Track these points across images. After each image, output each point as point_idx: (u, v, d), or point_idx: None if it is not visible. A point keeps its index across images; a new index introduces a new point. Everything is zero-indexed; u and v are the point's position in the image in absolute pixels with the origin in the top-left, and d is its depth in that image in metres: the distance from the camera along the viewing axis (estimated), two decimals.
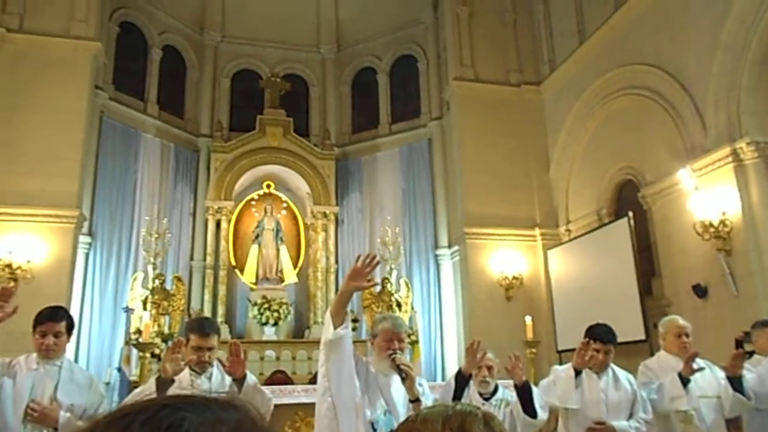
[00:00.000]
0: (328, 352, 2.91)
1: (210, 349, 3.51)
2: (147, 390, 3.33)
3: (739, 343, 5.77)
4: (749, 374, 4.04)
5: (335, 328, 2.87)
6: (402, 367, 3.15)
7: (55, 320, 3.35)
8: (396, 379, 3.22)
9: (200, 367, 3.52)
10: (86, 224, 9.82)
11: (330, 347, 2.90)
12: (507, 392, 4.05)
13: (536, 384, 6.25)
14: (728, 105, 7.44)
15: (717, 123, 7.51)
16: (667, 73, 8.32)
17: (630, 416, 3.86)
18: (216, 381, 3.55)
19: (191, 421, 0.56)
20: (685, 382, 3.88)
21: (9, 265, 8.41)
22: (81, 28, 9.81)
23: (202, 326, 3.58)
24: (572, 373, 3.79)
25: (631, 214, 8.42)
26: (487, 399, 3.98)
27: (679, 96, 8.10)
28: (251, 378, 3.59)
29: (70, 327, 3.43)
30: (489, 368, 3.98)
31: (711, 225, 7.27)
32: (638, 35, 8.98)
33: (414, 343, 10.44)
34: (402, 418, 3.23)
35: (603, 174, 9.79)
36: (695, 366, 3.87)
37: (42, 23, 9.62)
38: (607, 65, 9.58)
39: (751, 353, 4.51)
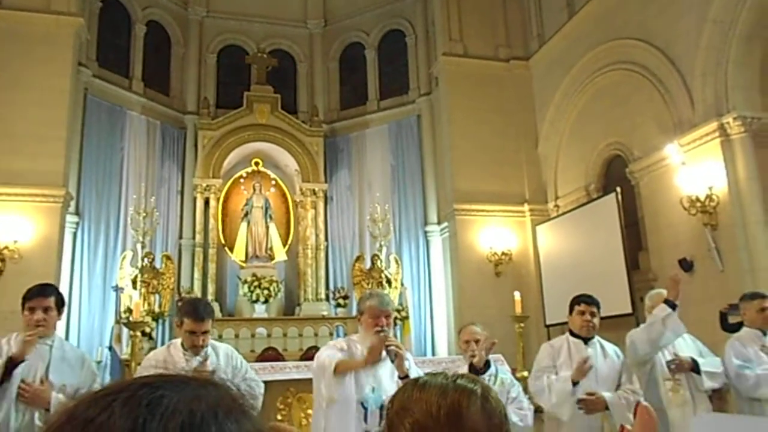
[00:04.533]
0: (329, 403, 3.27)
1: (204, 333, 3.45)
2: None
3: (723, 316, 5.87)
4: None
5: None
6: (390, 347, 3.20)
7: (43, 295, 3.30)
8: (382, 354, 3.27)
9: (194, 351, 3.48)
10: (73, 203, 9.73)
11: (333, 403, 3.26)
12: (501, 369, 4.03)
13: (524, 355, 6.32)
14: (716, 79, 7.45)
15: (704, 98, 7.53)
16: (656, 48, 8.31)
17: (617, 387, 3.93)
18: (211, 360, 3.52)
19: (170, 398, 0.57)
20: (672, 305, 4.00)
21: None
22: (62, 3, 9.60)
23: (197, 311, 3.45)
24: (569, 386, 3.78)
25: (618, 189, 8.47)
26: (477, 374, 3.99)
27: (667, 70, 8.11)
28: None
29: (59, 303, 3.37)
30: (477, 341, 3.97)
31: (698, 200, 7.34)
32: (627, 9, 8.94)
33: (404, 319, 10.53)
34: (391, 393, 3.28)
35: (591, 149, 9.81)
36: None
37: None
38: (596, 40, 9.55)
39: (739, 325, 4.60)
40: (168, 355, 3.52)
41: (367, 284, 10.81)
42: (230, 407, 0.60)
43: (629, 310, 7.91)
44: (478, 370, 3.84)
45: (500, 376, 3.89)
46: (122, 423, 0.54)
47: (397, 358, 3.18)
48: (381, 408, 3.24)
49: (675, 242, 7.89)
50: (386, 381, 3.32)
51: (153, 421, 0.54)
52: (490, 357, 4.01)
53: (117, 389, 0.58)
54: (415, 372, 3.46)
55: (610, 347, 4.10)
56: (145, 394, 0.57)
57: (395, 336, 9.90)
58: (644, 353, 4.11)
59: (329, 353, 3.35)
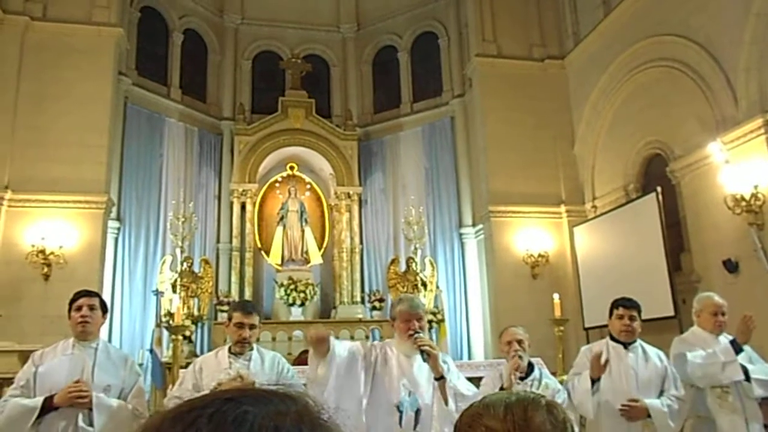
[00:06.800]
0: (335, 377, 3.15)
1: (252, 327, 3.57)
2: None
3: None
4: None
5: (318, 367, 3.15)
6: (423, 347, 3.18)
7: (88, 295, 3.51)
8: (419, 359, 3.26)
9: (240, 345, 3.57)
10: (114, 209, 9.97)
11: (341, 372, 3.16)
12: (546, 373, 3.90)
13: (564, 359, 6.21)
14: (760, 75, 7.23)
15: (748, 93, 7.31)
16: (696, 44, 8.10)
17: (661, 393, 3.83)
18: (255, 365, 3.59)
19: (254, 414, 0.58)
20: (738, 349, 3.86)
21: (42, 251, 8.61)
22: (103, 14, 9.88)
23: (244, 305, 3.80)
24: (588, 384, 3.69)
25: (659, 189, 8.28)
26: (522, 379, 3.73)
27: (708, 67, 7.90)
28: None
29: (103, 306, 3.55)
30: (519, 342, 3.85)
31: (742, 198, 7.12)
32: (665, 5, 8.74)
33: (440, 322, 10.48)
34: (427, 397, 3.25)
35: (630, 149, 9.62)
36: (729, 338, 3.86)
37: (65, 11, 9.71)
38: (633, 37, 9.36)
39: None
40: (214, 358, 3.64)
41: (403, 287, 10.80)
42: (313, 422, 0.61)
43: (671, 313, 7.72)
44: (520, 375, 3.76)
45: (544, 380, 3.77)
46: None
47: (430, 358, 3.16)
48: (417, 412, 3.22)
49: (719, 242, 7.67)
50: (423, 384, 3.30)
51: None
52: (533, 360, 3.92)
53: (201, 404, 0.59)
54: (455, 375, 3.42)
55: (653, 351, 3.99)
56: (229, 410, 0.57)
57: (432, 339, 9.88)
58: (701, 384, 3.99)
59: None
